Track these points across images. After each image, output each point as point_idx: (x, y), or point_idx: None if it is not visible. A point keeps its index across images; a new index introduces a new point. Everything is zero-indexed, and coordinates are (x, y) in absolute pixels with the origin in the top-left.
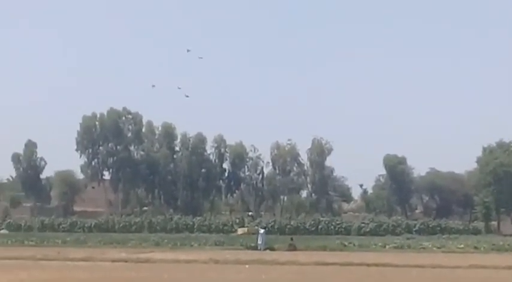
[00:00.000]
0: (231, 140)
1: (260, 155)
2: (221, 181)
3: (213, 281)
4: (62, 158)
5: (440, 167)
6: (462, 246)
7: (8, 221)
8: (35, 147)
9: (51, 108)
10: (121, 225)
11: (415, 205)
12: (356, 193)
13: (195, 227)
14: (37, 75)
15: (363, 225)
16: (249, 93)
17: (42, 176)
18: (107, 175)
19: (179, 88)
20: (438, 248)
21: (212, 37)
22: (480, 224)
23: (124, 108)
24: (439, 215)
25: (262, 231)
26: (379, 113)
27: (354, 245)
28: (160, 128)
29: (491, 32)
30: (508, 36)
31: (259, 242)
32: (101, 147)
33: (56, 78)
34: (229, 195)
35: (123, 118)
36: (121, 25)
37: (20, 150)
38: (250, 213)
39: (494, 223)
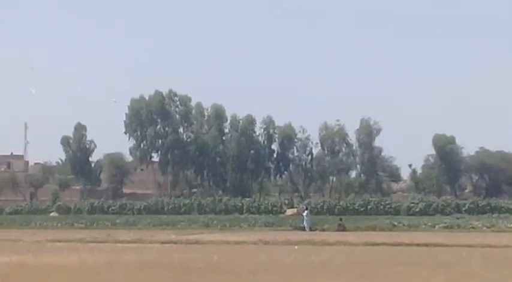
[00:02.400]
0: (279, 121)
1: (309, 136)
2: (270, 162)
3: (263, 262)
4: (111, 140)
5: (489, 146)
6: None
7: (58, 203)
8: (85, 130)
9: (101, 91)
10: (170, 207)
11: (465, 185)
12: (405, 173)
13: (244, 208)
14: (86, 61)
15: (412, 205)
16: (297, 74)
17: (92, 158)
18: (155, 157)
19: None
20: (488, 227)
21: (260, 16)
22: None
23: (170, 91)
24: (488, 194)
25: (305, 213)
26: (428, 92)
27: (404, 225)
28: (209, 110)
29: None
30: None
31: (305, 223)
32: (149, 130)
33: (104, 65)
34: (278, 176)
35: (171, 100)
36: (170, 12)
37: (70, 133)
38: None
39: None
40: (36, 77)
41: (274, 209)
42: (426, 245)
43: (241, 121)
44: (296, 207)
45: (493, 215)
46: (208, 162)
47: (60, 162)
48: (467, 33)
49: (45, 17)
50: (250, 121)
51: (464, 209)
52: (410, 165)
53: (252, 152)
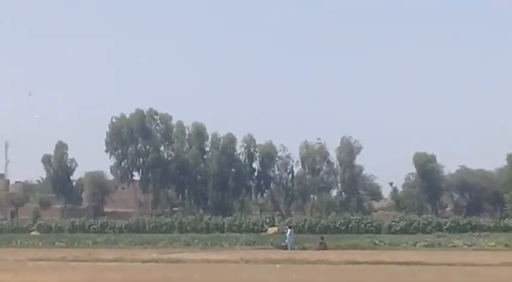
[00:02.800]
0: (260, 140)
1: (290, 154)
2: (251, 181)
3: (244, 281)
4: (92, 159)
5: (470, 165)
6: (493, 243)
7: (39, 222)
8: (66, 148)
9: (82, 110)
10: (151, 225)
11: (446, 203)
12: (386, 191)
13: (225, 226)
14: (68, 78)
15: (393, 223)
16: (278, 92)
17: (73, 177)
18: (136, 176)
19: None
20: (469, 245)
21: (239, 36)
22: (511, 221)
23: (151, 109)
24: (469, 212)
25: (288, 231)
26: (409, 111)
27: (385, 243)
28: (190, 128)
29: None
30: None
31: (286, 241)
32: (130, 148)
33: (87, 82)
34: (259, 194)
35: (152, 119)
36: (151, 25)
37: (51, 151)
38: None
39: None
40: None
41: (256, 227)
42: (407, 263)
43: (221, 139)
44: (277, 226)
45: (474, 234)
46: (189, 181)
47: (41, 180)
48: (446, 52)
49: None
50: (231, 139)
51: (445, 227)
52: (391, 184)
53: (233, 170)
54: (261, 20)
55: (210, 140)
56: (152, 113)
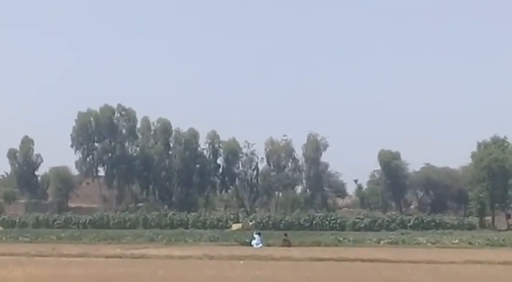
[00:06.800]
0: (224, 136)
1: (254, 150)
2: (216, 177)
3: (208, 277)
4: (58, 154)
5: (435, 163)
6: (457, 241)
7: (3, 217)
8: (32, 143)
9: (48, 105)
10: (115, 221)
11: (410, 200)
12: (351, 189)
13: (190, 223)
14: (34, 73)
15: (357, 220)
16: (243, 89)
17: (38, 172)
18: (101, 171)
19: None
20: (433, 243)
21: (208, 34)
22: (475, 219)
23: (119, 105)
24: (433, 210)
25: (257, 236)
26: (374, 109)
27: (349, 240)
28: (156, 124)
29: (488, 27)
30: (505, 32)
31: (253, 243)
32: (96, 144)
33: (53, 75)
34: (223, 191)
35: (118, 114)
36: (115, 22)
37: (17, 146)
38: (251, 221)
39: (488, 218)
40: None
41: (220, 223)
42: (371, 260)
43: (184, 135)
44: (241, 222)
45: (438, 231)
46: (153, 177)
47: (5, 175)
48: (413, 47)
49: None
50: (194, 135)
51: (409, 224)
52: (356, 181)
53: (197, 166)
54: (223, 15)
55: (173, 135)
56: (120, 109)
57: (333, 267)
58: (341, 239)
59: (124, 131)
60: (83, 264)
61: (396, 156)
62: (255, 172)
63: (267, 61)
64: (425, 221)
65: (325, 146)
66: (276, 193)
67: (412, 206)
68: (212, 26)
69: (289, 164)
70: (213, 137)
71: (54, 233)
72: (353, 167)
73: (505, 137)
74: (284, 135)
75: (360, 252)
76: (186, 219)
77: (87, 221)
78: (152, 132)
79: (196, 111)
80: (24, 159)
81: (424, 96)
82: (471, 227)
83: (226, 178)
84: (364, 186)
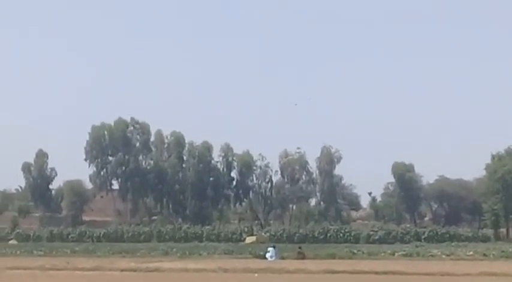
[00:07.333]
0: (238, 149)
1: (268, 163)
2: (229, 190)
3: None
4: (72, 168)
5: (448, 175)
6: (471, 253)
7: (17, 231)
8: (46, 157)
9: (63, 118)
10: (130, 234)
11: (424, 213)
12: (365, 201)
13: (204, 236)
14: (48, 87)
15: (371, 233)
16: (256, 101)
17: (52, 186)
18: (115, 184)
19: None
20: (447, 255)
21: (218, 45)
22: (489, 231)
23: (132, 118)
24: (448, 222)
25: (271, 249)
26: (388, 121)
27: (363, 253)
28: (169, 137)
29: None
30: None
31: (267, 255)
32: (109, 157)
33: (68, 89)
34: (237, 203)
35: (131, 128)
36: (131, 36)
37: (31, 160)
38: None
39: (503, 230)
40: None
41: (234, 236)
42: (385, 272)
43: (198, 148)
44: (256, 235)
45: (452, 243)
46: (167, 190)
47: (19, 189)
48: (424, 62)
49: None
50: (208, 148)
51: (423, 237)
52: (370, 193)
53: (211, 179)
54: (239, 26)
55: (186, 148)
56: (134, 122)
57: (347, 280)
58: (355, 251)
59: (138, 144)
60: (97, 277)
61: (410, 168)
62: (269, 185)
63: (279, 72)
64: (439, 233)
65: (339, 159)
66: (290, 206)
67: (426, 218)
68: (228, 38)
69: (303, 176)
70: (227, 150)
71: (68, 246)
72: (367, 179)
73: None
74: (298, 148)
75: (374, 264)
76: (200, 232)
77: (101, 235)
78: (166, 145)
79: (210, 123)
80: (39, 173)
81: (438, 108)
82: (485, 239)
83: (240, 191)
84: (378, 199)
